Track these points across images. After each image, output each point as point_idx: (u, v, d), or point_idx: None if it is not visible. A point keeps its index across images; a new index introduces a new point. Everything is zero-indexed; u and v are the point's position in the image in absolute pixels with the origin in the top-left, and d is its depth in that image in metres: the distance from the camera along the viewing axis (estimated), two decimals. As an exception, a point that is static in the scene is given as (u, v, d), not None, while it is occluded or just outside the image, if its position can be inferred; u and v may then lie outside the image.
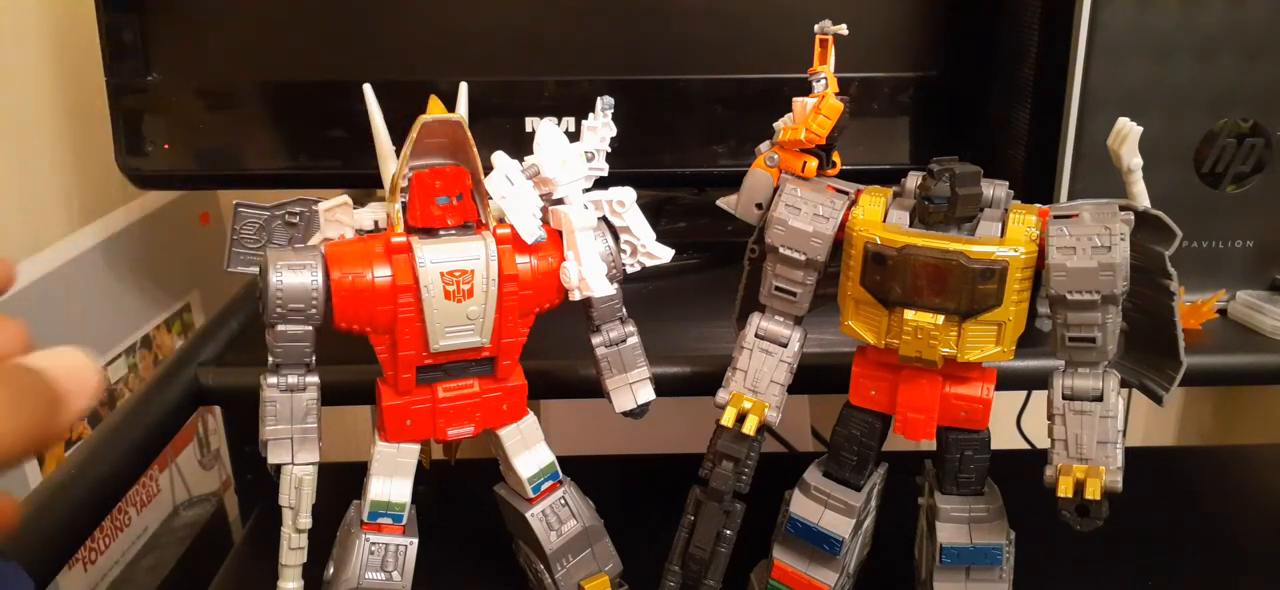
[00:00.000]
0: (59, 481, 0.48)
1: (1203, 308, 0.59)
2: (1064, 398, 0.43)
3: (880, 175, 0.47)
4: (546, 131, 0.44)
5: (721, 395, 0.48)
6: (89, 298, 0.70)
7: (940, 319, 0.42)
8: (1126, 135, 0.49)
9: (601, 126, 0.45)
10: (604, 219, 0.46)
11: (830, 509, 0.47)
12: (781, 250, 0.45)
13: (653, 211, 0.48)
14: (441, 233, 0.42)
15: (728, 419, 0.47)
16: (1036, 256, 0.42)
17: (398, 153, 0.42)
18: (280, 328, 0.42)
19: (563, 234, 0.44)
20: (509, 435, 0.46)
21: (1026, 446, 0.89)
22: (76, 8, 0.67)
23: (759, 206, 0.47)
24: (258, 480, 0.68)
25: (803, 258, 0.45)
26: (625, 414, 0.49)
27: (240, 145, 0.67)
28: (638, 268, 0.47)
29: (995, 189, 0.43)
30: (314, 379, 0.43)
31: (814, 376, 0.49)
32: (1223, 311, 0.61)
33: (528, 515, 0.47)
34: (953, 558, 0.46)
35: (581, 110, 0.48)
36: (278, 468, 0.44)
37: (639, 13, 0.63)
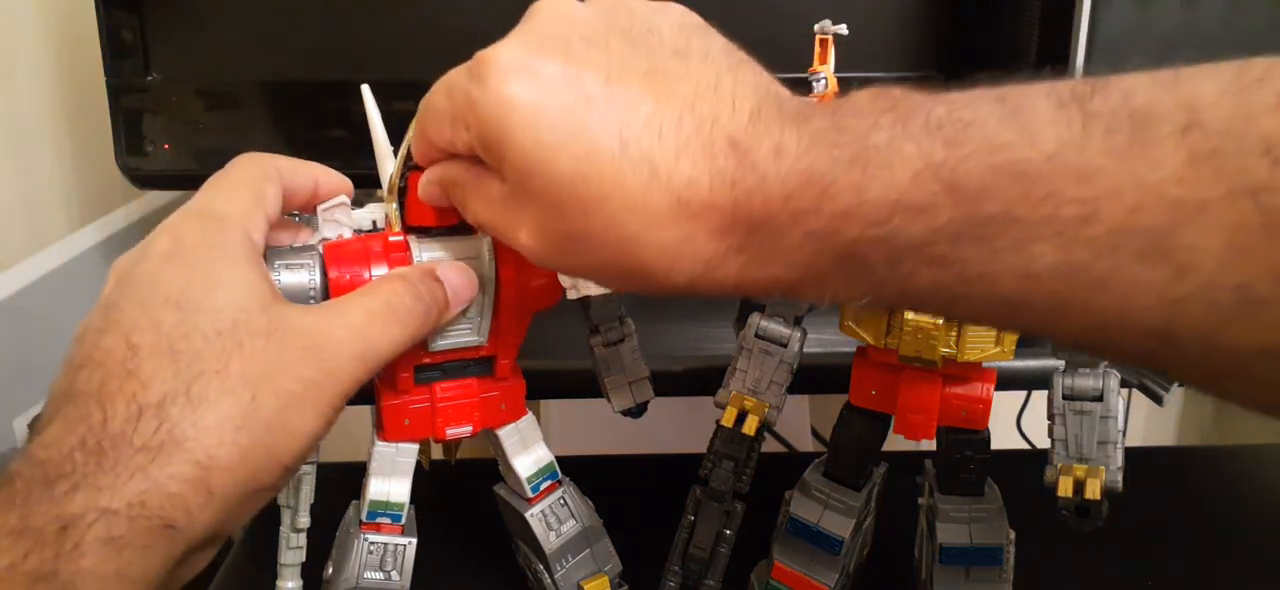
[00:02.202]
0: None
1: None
2: (1064, 398, 0.43)
3: (880, 175, 0.47)
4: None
5: (721, 395, 0.47)
6: (89, 298, 0.70)
7: (940, 319, 0.42)
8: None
9: None
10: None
11: (830, 509, 0.47)
12: (781, 250, 0.45)
13: (652, 211, 0.48)
14: (440, 233, 0.42)
15: (728, 419, 0.47)
16: (1036, 256, 0.42)
17: (396, 153, 0.42)
18: (279, 327, 0.42)
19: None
20: (507, 435, 0.46)
21: (1026, 446, 0.88)
22: (76, 8, 0.67)
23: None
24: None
25: (802, 257, 0.45)
26: (623, 413, 0.49)
27: (240, 145, 0.66)
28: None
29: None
30: (313, 378, 0.43)
31: (814, 376, 0.49)
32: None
33: (527, 515, 0.47)
34: (953, 558, 0.46)
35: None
36: (277, 467, 0.44)
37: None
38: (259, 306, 0.35)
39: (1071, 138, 0.27)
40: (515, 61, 0.32)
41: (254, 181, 0.39)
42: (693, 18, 0.36)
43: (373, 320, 0.37)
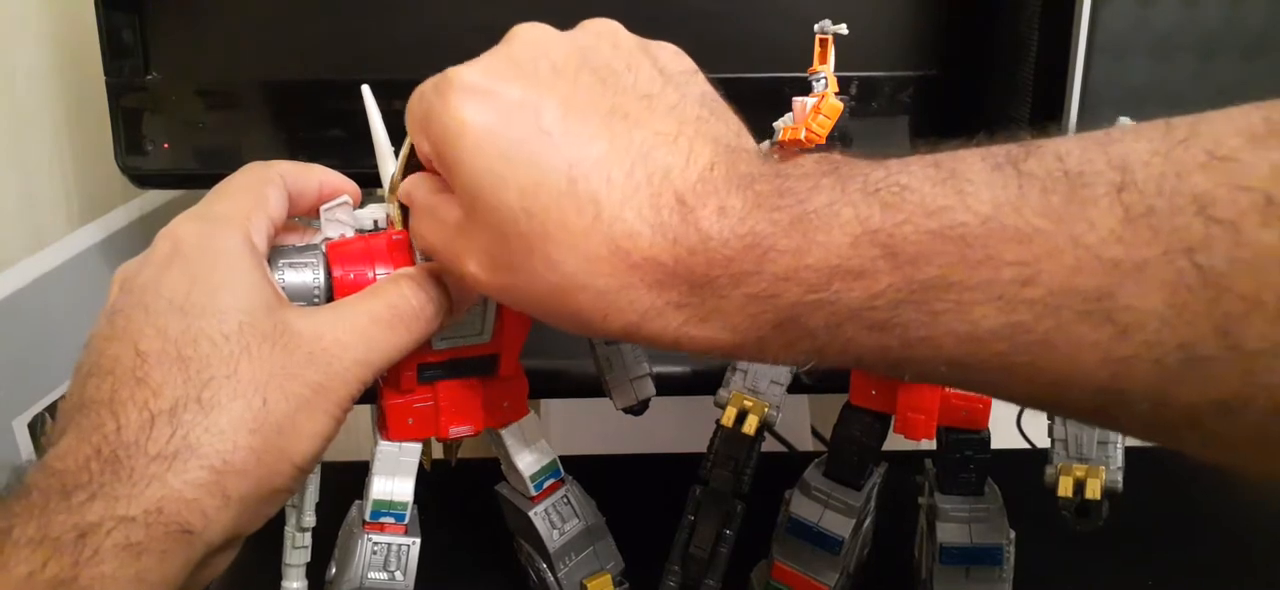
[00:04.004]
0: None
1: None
2: (1064, 397, 0.42)
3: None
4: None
5: (721, 395, 0.48)
6: (89, 298, 0.70)
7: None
8: (1126, 135, 0.48)
9: None
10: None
11: (830, 509, 0.47)
12: (782, 250, 0.45)
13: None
14: (442, 232, 0.42)
15: (728, 419, 0.47)
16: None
17: (396, 152, 0.42)
18: (282, 327, 0.42)
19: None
20: (510, 433, 0.46)
21: (1026, 446, 0.89)
22: (76, 8, 0.67)
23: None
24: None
25: (803, 257, 0.45)
26: (625, 410, 0.49)
27: (240, 145, 0.67)
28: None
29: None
30: (315, 378, 0.43)
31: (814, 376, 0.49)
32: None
33: (531, 514, 0.47)
34: (953, 557, 0.46)
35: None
36: (279, 467, 0.44)
37: (637, 13, 0.63)
38: (264, 310, 0.35)
39: (1007, 199, 0.27)
40: (476, 83, 0.32)
41: (255, 186, 0.39)
42: (684, 62, 0.35)
43: (377, 324, 0.37)
